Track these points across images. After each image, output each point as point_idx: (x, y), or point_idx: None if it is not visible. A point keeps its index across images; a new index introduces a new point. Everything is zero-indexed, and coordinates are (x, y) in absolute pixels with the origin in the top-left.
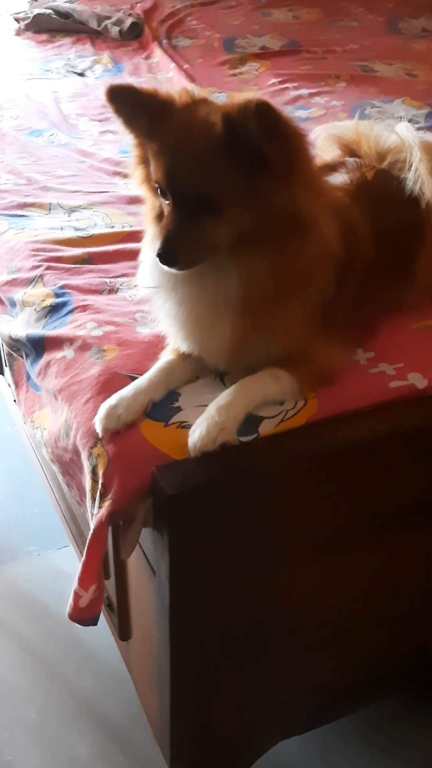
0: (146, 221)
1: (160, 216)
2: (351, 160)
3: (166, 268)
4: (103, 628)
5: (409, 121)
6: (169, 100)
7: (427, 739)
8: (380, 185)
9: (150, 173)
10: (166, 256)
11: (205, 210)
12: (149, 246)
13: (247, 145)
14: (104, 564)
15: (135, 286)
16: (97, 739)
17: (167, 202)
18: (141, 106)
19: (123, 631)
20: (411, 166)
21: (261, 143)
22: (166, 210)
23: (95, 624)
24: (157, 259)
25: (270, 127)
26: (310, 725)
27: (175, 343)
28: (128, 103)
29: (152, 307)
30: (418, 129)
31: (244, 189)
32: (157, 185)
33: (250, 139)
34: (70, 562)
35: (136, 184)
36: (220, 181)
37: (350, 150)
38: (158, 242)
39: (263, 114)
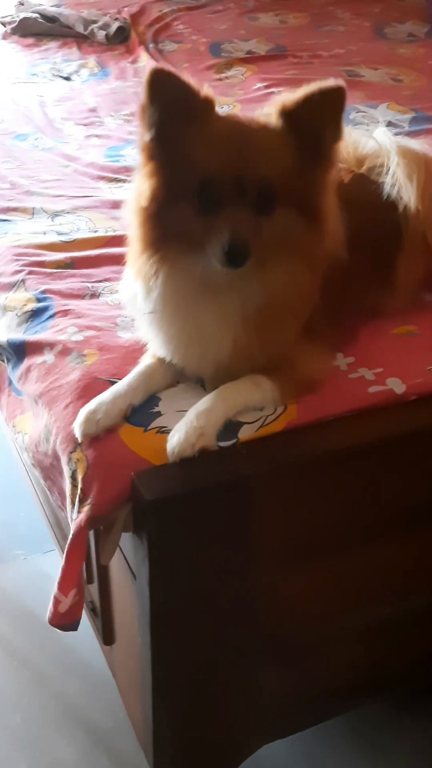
0: (137, 222)
1: (157, 217)
2: None
3: (224, 269)
4: (89, 633)
5: (389, 125)
6: (210, 98)
7: (412, 742)
8: (357, 189)
9: (166, 170)
10: (239, 250)
11: (261, 206)
12: (208, 244)
13: (308, 127)
14: (88, 568)
15: (114, 293)
16: (82, 743)
17: (212, 206)
18: (180, 98)
19: (106, 636)
20: (388, 170)
21: (324, 124)
22: (221, 217)
23: (75, 629)
24: (224, 258)
25: (335, 114)
26: (295, 728)
27: (157, 352)
28: (169, 90)
29: (136, 317)
30: (402, 134)
31: (296, 181)
32: (203, 185)
33: (316, 120)
34: (56, 567)
35: (140, 174)
36: (280, 170)
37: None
38: (225, 235)
39: (338, 99)
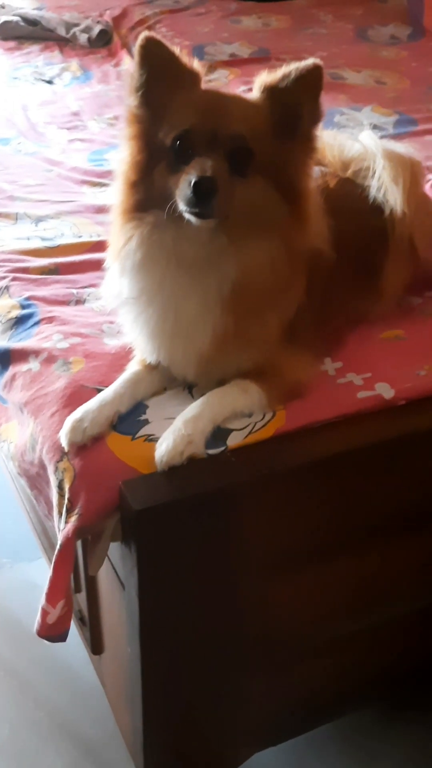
0: (120, 193)
1: (138, 183)
2: (316, 169)
3: (191, 216)
4: (78, 642)
5: (373, 128)
6: (196, 71)
7: (401, 748)
8: (343, 194)
9: (148, 134)
10: (205, 186)
11: (235, 164)
12: (181, 187)
13: (286, 103)
14: (76, 577)
15: (99, 298)
16: (71, 754)
17: (187, 159)
18: (168, 66)
19: (95, 646)
20: (374, 173)
21: (301, 101)
22: (190, 164)
23: (64, 640)
24: (190, 195)
25: (313, 92)
26: (286, 736)
27: (143, 353)
28: (158, 57)
29: (120, 319)
30: (386, 136)
31: (272, 153)
32: (178, 138)
33: (294, 97)
34: (43, 575)
35: (124, 140)
36: (256, 133)
37: (316, 160)
38: (193, 174)
39: (315, 77)
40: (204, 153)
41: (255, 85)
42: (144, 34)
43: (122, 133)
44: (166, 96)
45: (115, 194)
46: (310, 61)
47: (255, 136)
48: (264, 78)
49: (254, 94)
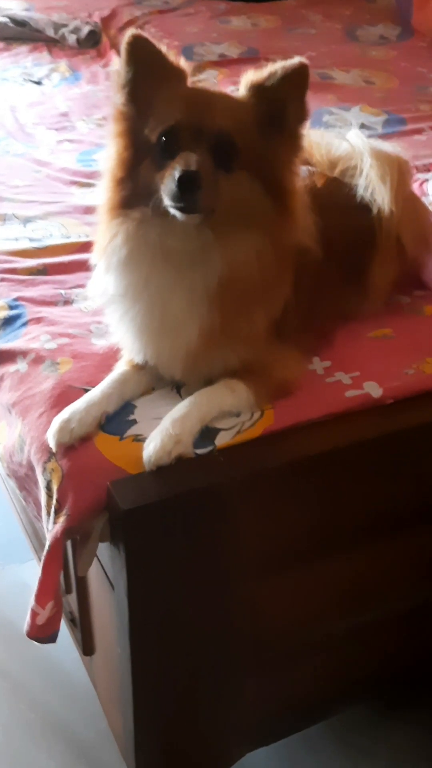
0: (106, 190)
1: (124, 180)
2: (303, 168)
3: (176, 211)
4: (69, 643)
5: (361, 127)
6: (183, 69)
7: (394, 746)
8: (331, 193)
9: (134, 130)
10: (190, 179)
11: (220, 159)
12: (166, 181)
13: (272, 101)
14: (66, 578)
15: (87, 298)
16: (63, 755)
17: (172, 154)
18: (155, 63)
19: (86, 646)
20: (362, 172)
21: (287, 99)
22: (175, 159)
23: (54, 641)
24: (175, 189)
25: (299, 90)
26: (279, 736)
27: (130, 352)
28: (144, 54)
29: (107, 318)
30: (375, 136)
31: (257, 149)
32: (163, 134)
33: (280, 95)
34: (34, 576)
35: (110, 137)
36: (241, 128)
37: (302, 159)
38: (178, 169)
39: (301, 75)
40: (189, 148)
41: (241, 83)
42: (131, 31)
43: (109, 130)
44: (152, 93)
45: (102, 191)
46: (296, 60)
47: (240, 132)
48: (250, 76)
49: (240, 92)
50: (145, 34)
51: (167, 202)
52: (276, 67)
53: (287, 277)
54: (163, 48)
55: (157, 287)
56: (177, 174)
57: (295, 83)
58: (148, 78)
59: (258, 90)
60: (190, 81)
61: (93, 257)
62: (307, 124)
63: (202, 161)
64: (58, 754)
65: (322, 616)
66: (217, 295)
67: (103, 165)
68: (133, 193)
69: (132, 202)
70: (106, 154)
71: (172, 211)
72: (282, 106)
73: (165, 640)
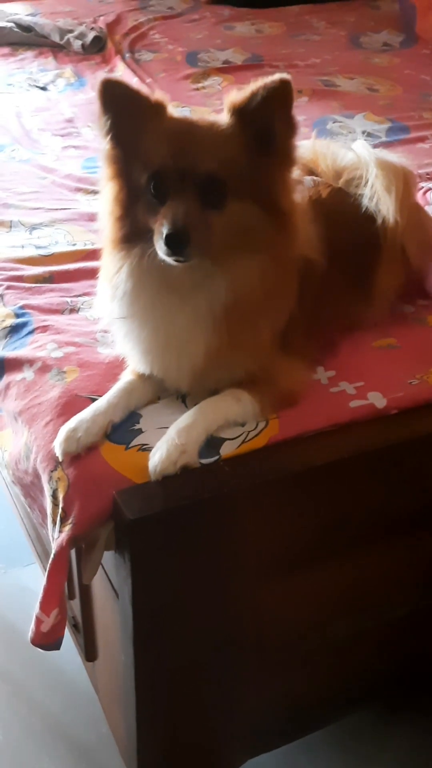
0: (107, 226)
1: (123, 218)
2: (308, 178)
3: (170, 260)
4: (71, 648)
5: (368, 135)
6: (160, 102)
7: (395, 752)
8: (336, 203)
9: (126, 172)
10: (178, 237)
11: (209, 199)
12: (157, 234)
13: (257, 122)
14: (69, 584)
15: (93, 307)
16: (65, 759)
17: (162, 198)
18: (131, 104)
19: (89, 652)
20: (367, 182)
21: (272, 118)
22: (164, 207)
23: (58, 648)
24: (164, 246)
25: (284, 108)
26: (280, 742)
27: (136, 366)
28: (119, 98)
29: (113, 333)
30: (379, 144)
31: (248, 175)
32: (151, 179)
33: (265, 115)
34: (36, 580)
35: (104, 181)
36: (228, 163)
37: (308, 169)
38: (165, 225)
39: (284, 92)
40: (177, 192)
41: (224, 106)
42: (102, 77)
43: (102, 174)
44: (134, 134)
45: (103, 227)
46: (276, 77)
47: (227, 167)
48: (232, 98)
49: (224, 116)
50: (115, 76)
51: (161, 252)
52: (257, 86)
53: (291, 290)
54: (137, 86)
55: (162, 312)
56: (165, 231)
57: (278, 101)
58: (128, 119)
59: (242, 113)
60: (171, 108)
61: (99, 280)
62: (298, 135)
63: (189, 210)
64: (59, 757)
65: (323, 623)
66: (223, 315)
67: (101, 206)
68: (133, 230)
69: (132, 239)
70: (103, 196)
71: (167, 259)
72: (269, 126)
73: (168, 647)
